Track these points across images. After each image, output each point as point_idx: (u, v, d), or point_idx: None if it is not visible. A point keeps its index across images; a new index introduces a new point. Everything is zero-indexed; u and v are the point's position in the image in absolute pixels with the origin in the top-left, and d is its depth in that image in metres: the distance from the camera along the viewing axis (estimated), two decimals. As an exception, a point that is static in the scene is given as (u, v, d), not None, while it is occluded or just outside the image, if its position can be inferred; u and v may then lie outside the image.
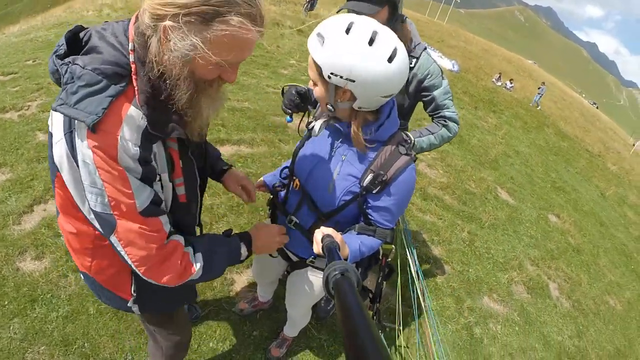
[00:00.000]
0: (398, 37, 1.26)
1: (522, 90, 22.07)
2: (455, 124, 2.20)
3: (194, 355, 2.64)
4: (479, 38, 43.58)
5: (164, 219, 1.17)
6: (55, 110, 0.97)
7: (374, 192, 1.40)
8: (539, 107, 19.30)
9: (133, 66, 1.01)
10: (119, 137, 0.99)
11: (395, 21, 1.87)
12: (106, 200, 1.04)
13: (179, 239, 1.25)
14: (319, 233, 1.31)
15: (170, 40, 0.95)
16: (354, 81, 1.18)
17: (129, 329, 2.74)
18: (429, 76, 2.08)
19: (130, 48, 1.02)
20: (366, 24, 1.18)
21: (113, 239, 1.11)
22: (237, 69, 1.09)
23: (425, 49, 2.10)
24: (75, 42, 1.05)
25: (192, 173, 1.28)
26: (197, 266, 1.26)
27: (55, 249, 3.25)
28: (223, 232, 1.50)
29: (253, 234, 1.50)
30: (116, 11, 12.93)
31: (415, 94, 2.20)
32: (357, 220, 1.55)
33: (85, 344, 2.62)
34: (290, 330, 2.60)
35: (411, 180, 1.43)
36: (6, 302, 2.83)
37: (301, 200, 1.60)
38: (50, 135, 1.09)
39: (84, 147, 0.99)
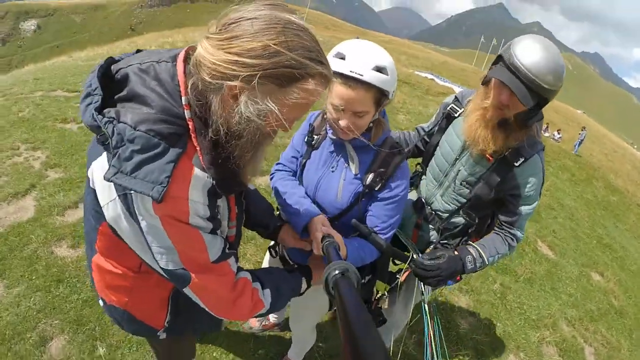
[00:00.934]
0: (528, 132, 1.64)
1: (571, 141, 21.01)
2: (516, 245, 1.89)
3: (195, 360, 2.63)
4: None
5: (232, 260, 1.15)
6: (111, 182, 0.89)
7: (376, 189, 1.51)
8: (578, 153, 18.15)
9: (190, 124, 0.94)
10: (189, 201, 0.94)
11: (534, 117, 1.62)
12: (178, 259, 1.01)
13: (247, 275, 1.23)
14: (319, 233, 1.35)
15: (240, 103, 0.88)
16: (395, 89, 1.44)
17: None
18: (529, 185, 1.70)
19: (184, 102, 0.93)
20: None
21: (187, 290, 1.10)
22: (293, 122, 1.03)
23: (543, 150, 1.72)
24: (107, 78, 0.98)
25: (242, 216, 1.30)
26: (266, 303, 1.26)
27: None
28: (285, 267, 1.48)
29: (312, 267, 1.50)
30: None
31: (501, 193, 1.76)
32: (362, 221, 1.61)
33: (96, 328, 2.72)
34: (295, 353, 2.54)
35: (406, 174, 1.57)
36: (34, 277, 3.04)
37: None
38: (88, 180, 1.07)
39: (149, 216, 0.93)
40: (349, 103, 1.36)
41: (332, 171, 1.60)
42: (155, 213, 0.92)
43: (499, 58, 1.58)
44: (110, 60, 1.01)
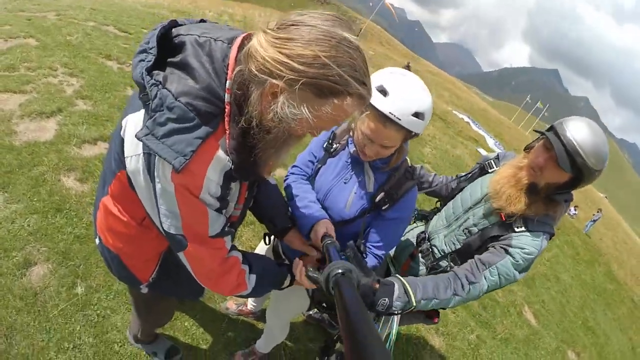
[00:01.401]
0: (551, 209, 1.61)
1: (585, 220, 20.85)
2: (471, 297, 1.64)
3: (165, 326, 2.63)
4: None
5: (228, 238, 1.20)
6: (141, 141, 0.93)
7: (383, 208, 1.57)
8: (588, 233, 17.92)
9: (227, 107, 0.96)
10: (204, 179, 0.98)
11: (564, 194, 1.60)
12: (180, 226, 1.06)
13: (239, 256, 1.28)
14: (322, 227, 1.46)
15: (278, 102, 0.91)
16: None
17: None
18: (522, 250, 1.59)
19: (227, 86, 0.96)
20: None
21: (181, 255, 1.16)
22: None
23: (549, 236, 1.63)
24: (165, 39, 1.00)
25: (249, 201, 1.36)
26: (249, 286, 1.31)
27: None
28: (276, 260, 1.54)
29: (296, 269, 1.49)
30: (234, 22, 14.00)
31: (489, 243, 1.71)
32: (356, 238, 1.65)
33: (81, 266, 2.70)
34: (264, 344, 2.53)
35: (414, 199, 1.64)
36: (35, 199, 3.04)
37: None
38: (119, 128, 1.14)
39: (165, 180, 0.97)
40: (379, 138, 1.42)
41: (345, 182, 1.64)
42: (172, 180, 0.96)
43: (551, 128, 1.59)
44: (173, 23, 1.04)
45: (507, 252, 1.61)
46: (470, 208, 1.86)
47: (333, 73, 0.86)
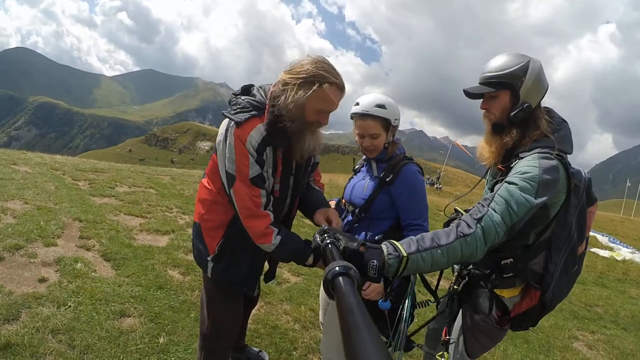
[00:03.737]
0: (531, 133, 1.62)
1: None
2: (481, 238, 1.38)
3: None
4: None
5: (264, 193, 1.68)
6: (224, 115, 1.69)
7: (387, 180, 2.01)
8: None
9: (267, 106, 1.66)
10: (249, 135, 1.61)
11: (517, 109, 1.59)
12: (234, 166, 1.63)
13: (272, 216, 1.70)
14: (321, 215, 1.86)
15: (287, 92, 1.59)
16: (398, 119, 2.04)
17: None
18: (518, 173, 1.50)
19: (268, 98, 1.68)
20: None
21: (231, 191, 1.67)
22: (328, 117, 1.70)
23: (544, 153, 1.53)
24: (246, 90, 1.79)
25: (287, 178, 1.81)
26: (272, 242, 1.68)
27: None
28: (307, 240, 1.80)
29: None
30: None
31: None
32: (388, 217, 2.05)
33: (169, 325, 2.83)
34: None
35: (411, 171, 2.05)
36: (142, 278, 3.52)
37: (346, 212, 2.21)
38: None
39: (231, 136, 1.62)
40: (365, 130, 2.01)
41: (362, 179, 2.19)
42: (233, 134, 1.61)
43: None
44: (250, 85, 1.83)
45: (506, 182, 1.51)
46: (486, 183, 1.97)
47: (316, 73, 1.55)
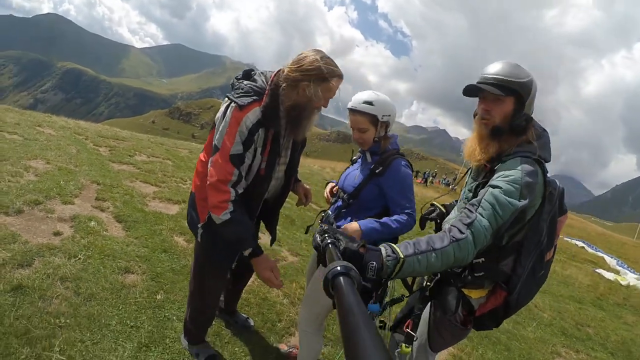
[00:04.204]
0: (523, 139, 1.65)
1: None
2: (472, 243, 1.45)
3: (217, 341, 2.67)
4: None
5: (237, 172, 1.84)
6: (227, 97, 1.87)
7: (377, 171, 2.14)
8: None
9: (267, 92, 1.86)
10: (245, 116, 1.80)
11: (519, 118, 1.65)
12: (221, 140, 1.82)
13: (233, 195, 1.85)
14: (352, 226, 2.01)
15: (300, 88, 1.80)
16: (390, 115, 2.15)
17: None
18: (501, 177, 1.56)
19: (268, 84, 1.87)
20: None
21: (211, 158, 1.86)
22: (328, 101, 1.91)
23: (526, 158, 1.60)
24: (247, 74, 1.97)
25: (274, 158, 1.97)
26: (221, 217, 1.84)
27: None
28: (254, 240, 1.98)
29: (263, 255, 1.94)
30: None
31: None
32: (375, 206, 2.17)
33: (168, 285, 3.02)
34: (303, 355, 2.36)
35: (400, 165, 2.15)
36: (149, 240, 3.74)
37: (337, 197, 2.35)
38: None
39: (230, 115, 1.81)
40: (355, 124, 2.17)
41: (356, 169, 2.32)
42: (233, 114, 1.81)
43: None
44: (252, 69, 2.02)
45: (490, 185, 1.57)
46: (465, 190, 1.90)
47: (326, 69, 1.78)
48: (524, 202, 1.50)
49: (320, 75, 1.77)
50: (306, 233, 2.57)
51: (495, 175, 1.59)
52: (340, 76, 1.84)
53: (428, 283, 1.87)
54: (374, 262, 1.30)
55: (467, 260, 1.46)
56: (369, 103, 2.10)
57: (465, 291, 1.73)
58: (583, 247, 16.85)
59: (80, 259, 2.95)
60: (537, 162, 1.59)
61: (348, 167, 2.44)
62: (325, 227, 1.35)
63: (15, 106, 11.98)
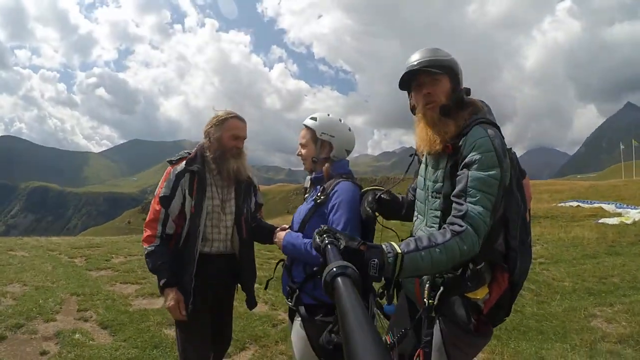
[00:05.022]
0: (473, 109, 1.69)
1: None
2: (474, 233, 1.44)
3: None
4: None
5: (163, 211, 2.18)
6: (167, 162, 2.31)
7: (318, 201, 2.01)
8: None
9: (195, 150, 2.31)
10: (173, 168, 2.24)
11: (460, 91, 1.71)
12: (157, 189, 2.24)
13: (159, 233, 2.18)
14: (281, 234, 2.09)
15: (210, 135, 2.27)
16: (333, 136, 2.09)
17: None
18: (474, 149, 1.54)
19: (195, 148, 2.34)
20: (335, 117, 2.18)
21: (152, 203, 2.26)
22: (241, 142, 2.32)
23: (482, 123, 1.62)
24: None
25: (201, 197, 2.24)
26: (145, 248, 2.18)
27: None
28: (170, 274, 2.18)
29: (174, 288, 2.15)
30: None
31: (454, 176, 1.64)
32: None
33: None
34: None
35: (344, 188, 2.00)
36: (138, 340, 3.73)
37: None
38: None
39: (165, 171, 2.28)
40: (300, 138, 2.20)
41: (305, 202, 2.22)
42: (166, 170, 2.26)
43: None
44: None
45: (466, 166, 1.55)
46: (425, 180, 1.82)
47: (221, 115, 2.29)
48: (503, 168, 1.52)
49: (218, 119, 2.26)
50: (266, 288, 2.50)
51: (466, 151, 1.56)
52: (236, 117, 2.30)
53: (431, 301, 1.66)
54: (376, 260, 1.29)
55: (475, 251, 1.43)
56: (313, 119, 2.12)
57: (470, 295, 1.59)
58: (578, 206, 16.50)
59: (70, 375, 2.89)
60: (494, 126, 1.62)
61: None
62: (325, 227, 1.34)
63: (-16, 236, 11.70)
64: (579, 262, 6.70)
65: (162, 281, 2.11)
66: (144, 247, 2.17)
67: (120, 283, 5.57)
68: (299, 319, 1.97)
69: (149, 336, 3.70)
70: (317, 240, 1.27)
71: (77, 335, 3.58)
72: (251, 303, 2.49)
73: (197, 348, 2.31)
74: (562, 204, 18.03)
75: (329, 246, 1.20)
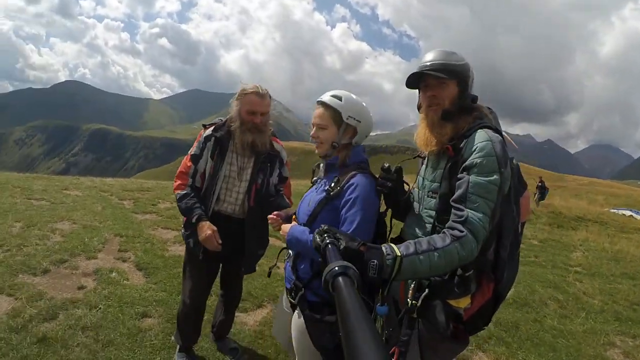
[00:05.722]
0: (476, 115, 1.67)
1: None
2: (473, 239, 1.43)
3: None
4: None
5: (193, 167, 2.45)
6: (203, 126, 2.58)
7: (332, 193, 1.77)
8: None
9: (222, 120, 2.52)
10: (204, 131, 2.49)
11: (466, 98, 1.69)
12: (192, 147, 2.50)
13: (190, 182, 2.44)
14: (286, 227, 1.81)
15: (233, 107, 2.41)
16: (360, 122, 1.82)
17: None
18: (475, 153, 1.52)
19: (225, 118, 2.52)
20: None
21: (184, 159, 2.52)
22: (258, 117, 2.37)
23: (485, 128, 1.60)
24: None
25: (219, 161, 2.43)
26: (177, 193, 2.45)
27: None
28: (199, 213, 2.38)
29: (207, 222, 2.33)
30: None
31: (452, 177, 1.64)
32: None
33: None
34: None
35: (359, 183, 1.75)
36: (168, 285, 3.97)
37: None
38: None
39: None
40: (315, 118, 1.87)
41: (314, 191, 1.95)
42: (199, 133, 2.52)
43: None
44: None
45: (466, 170, 1.53)
46: (423, 179, 1.80)
47: (241, 90, 2.40)
48: (503, 174, 1.50)
49: (240, 92, 2.37)
50: (269, 276, 2.21)
51: (467, 153, 1.54)
52: (256, 93, 2.35)
53: (414, 302, 1.66)
54: (375, 261, 1.31)
55: (473, 256, 1.43)
56: (337, 97, 1.82)
57: (453, 303, 1.58)
58: (631, 216, 15.56)
59: (100, 308, 3.16)
60: (498, 132, 1.60)
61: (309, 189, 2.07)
62: (325, 227, 1.35)
63: (49, 172, 12.67)
64: (616, 280, 6.20)
65: (195, 216, 2.32)
66: (176, 193, 2.43)
67: (162, 228, 5.91)
68: (299, 311, 1.88)
69: (178, 282, 3.86)
70: (318, 240, 1.29)
71: (113, 274, 3.86)
72: (248, 268, 2.59)
73: (195, 294, 2.57)
74: (614, 210, 16.80)
75: (329, 246, 1.21)
